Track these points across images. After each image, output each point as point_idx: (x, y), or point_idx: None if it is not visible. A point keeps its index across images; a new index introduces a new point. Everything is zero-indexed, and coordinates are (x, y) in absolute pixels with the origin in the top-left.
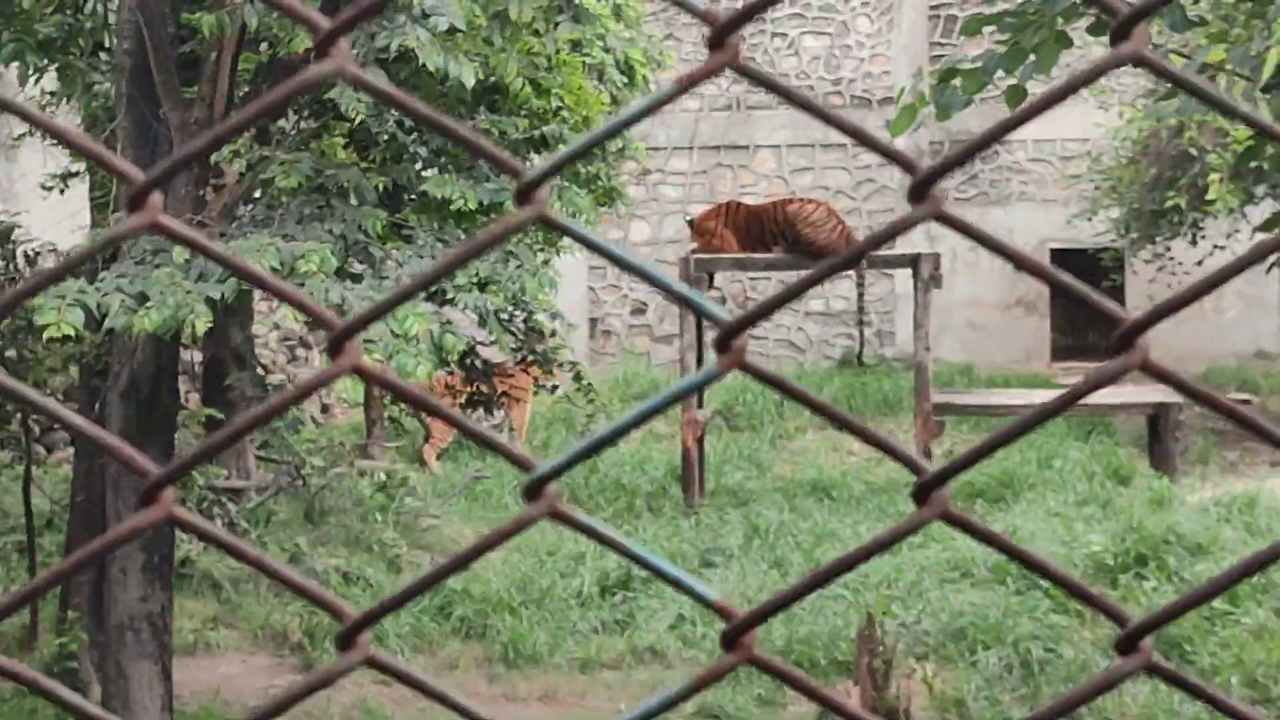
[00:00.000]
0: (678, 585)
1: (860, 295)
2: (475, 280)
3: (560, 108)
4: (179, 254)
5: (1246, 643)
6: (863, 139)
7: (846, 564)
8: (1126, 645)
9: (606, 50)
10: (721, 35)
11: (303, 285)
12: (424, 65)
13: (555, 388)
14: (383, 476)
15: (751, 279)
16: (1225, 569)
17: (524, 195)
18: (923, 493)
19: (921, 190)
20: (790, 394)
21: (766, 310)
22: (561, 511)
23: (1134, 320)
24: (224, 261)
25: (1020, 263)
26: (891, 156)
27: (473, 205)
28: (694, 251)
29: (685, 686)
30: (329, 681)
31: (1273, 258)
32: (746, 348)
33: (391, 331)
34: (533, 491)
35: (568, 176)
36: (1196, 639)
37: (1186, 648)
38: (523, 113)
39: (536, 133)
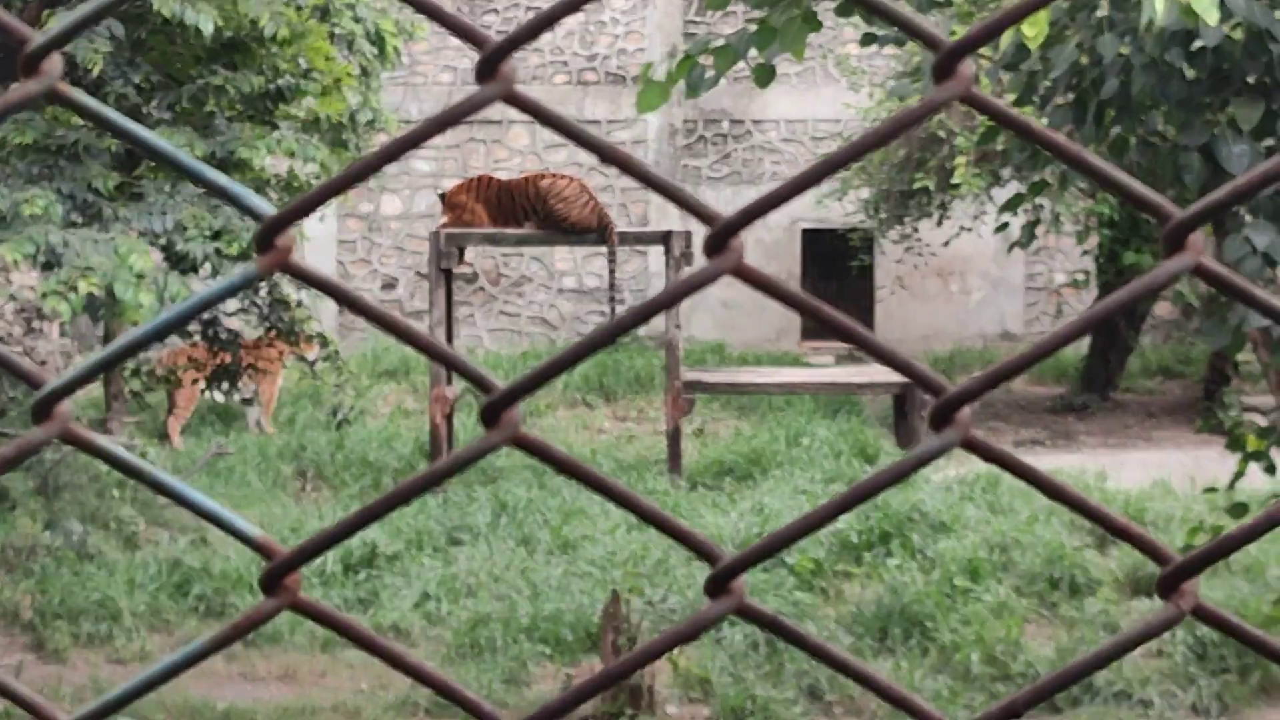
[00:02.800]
0: (211, 518)
1: (612, 272)
2: (207, 232)
3: (309, 69)
4: None
5: (987, 619)
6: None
7: (402, 496)
8: (715, 587)
9: (357, 20)
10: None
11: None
12: (160, 14)
13: (313, 362)
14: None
15: (504, 254)
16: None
17: (30, 66)
18: (492, 413)
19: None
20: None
21: (311, 204)
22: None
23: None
24: None
25: None
26: None
27: (200, 153)
28: (445, 225)
29: (218, 635)
30: None
31: (1014, 237)
32: (293, 249)
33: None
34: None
35: (308, 131)
36: (939, 615)
37: (928, 624)
38: (263, 69)
39: (273, 86)
